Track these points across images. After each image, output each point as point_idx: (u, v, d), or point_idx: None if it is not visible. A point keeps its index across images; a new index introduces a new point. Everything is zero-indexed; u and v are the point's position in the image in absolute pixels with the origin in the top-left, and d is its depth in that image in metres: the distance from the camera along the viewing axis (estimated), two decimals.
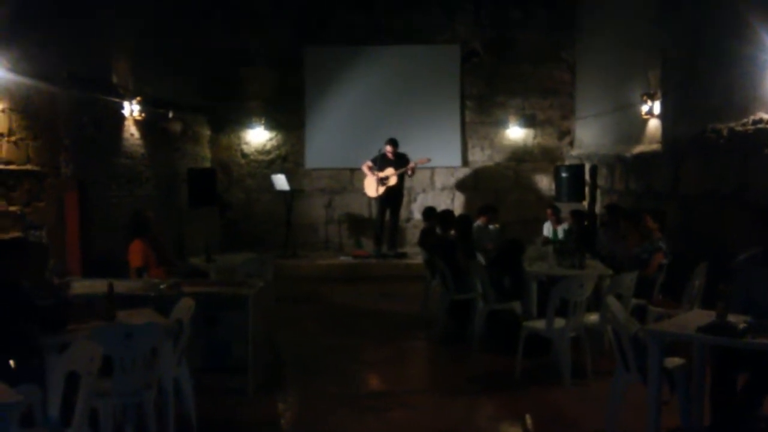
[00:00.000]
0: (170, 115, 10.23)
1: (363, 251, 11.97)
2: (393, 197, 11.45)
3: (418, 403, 5.53)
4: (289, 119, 12.71)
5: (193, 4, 11.54)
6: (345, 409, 5.33)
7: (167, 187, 10.23)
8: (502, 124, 12.69)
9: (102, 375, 4.00)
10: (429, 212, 9.22)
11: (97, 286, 5.26)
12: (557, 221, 9.90)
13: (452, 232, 8.16)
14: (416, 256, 10.89)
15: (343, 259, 11.66)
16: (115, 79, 8.50)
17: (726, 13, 6.52)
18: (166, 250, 7.48)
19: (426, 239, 8.65)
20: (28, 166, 6.55)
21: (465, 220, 8.53)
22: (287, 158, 12.81)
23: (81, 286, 5.66)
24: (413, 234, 12.03)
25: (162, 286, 5.78)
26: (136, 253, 6.83)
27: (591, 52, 11.74)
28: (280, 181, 11.77)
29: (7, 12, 6.07)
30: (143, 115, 8.92)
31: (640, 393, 4.37)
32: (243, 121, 12.68)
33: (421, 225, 10.07)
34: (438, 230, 8.41)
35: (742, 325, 3.90)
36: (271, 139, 12.80)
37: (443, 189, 12.79)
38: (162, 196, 9.94)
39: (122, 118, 8.70)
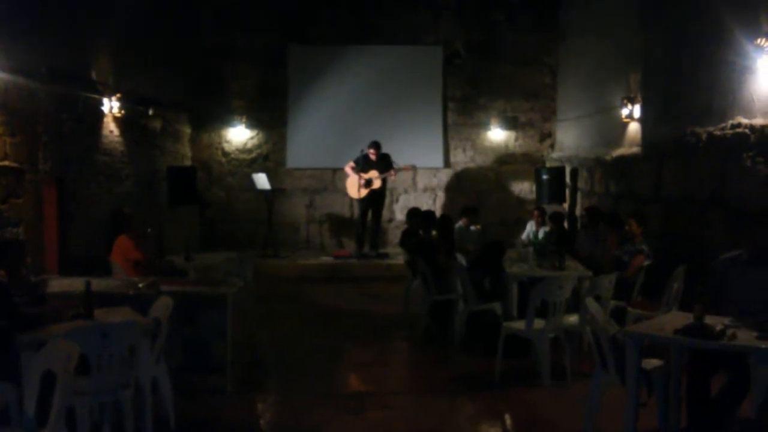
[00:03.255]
0: (150, 112, 10.14)
1: (344, 251, 11.95)
2: (375, 199, 11.43)
3: (399, 403, 5.53)
4: (271, 118, 12.66)
5: (176, 1, 11.45)
6: (325, 409, 5.32)
7: (147, 184, 10.14)
8: (484, 125, 12.74)
9: (79, 374, 3.96)
10: (412, 213, 9.21)
11: (75, 284, 5.19)
12: (541, 223, 9.92)
13: (433, 232, 8.19)
14: (398, 257, 10.89)
15: (324, 259, 11.63)
16: (95, 76, 8.41)
17: (707, 19, 6.60)
18: (145, 248, 7.43)
19: (407, 240, 8.65)
20: (6, 162, 6.46)
21: (446, 220, 8.57)
22: (268, 157, 12.75)
23: (58, 284, 5.59)
24: (395, 235, 12.02)
25: (140, 285, 5.73)
26: (128, 248, 6.88)
27: (573, 56, 11.82)
28: (261, 180, 11.71)
29: None
30: (123, 111, 8.83)
31: (619, 394, 4.39)
32: (224, 119, 12.61)
33: (403, 226, 10.08)
34: (420, 231, 8.40)
35: (719, 327, 3.94)
36: (252, 138, 12.74)
37: (425, 190, 12.81)
38: (141, 193, 9.85)
39: (102, 114, 8.61)
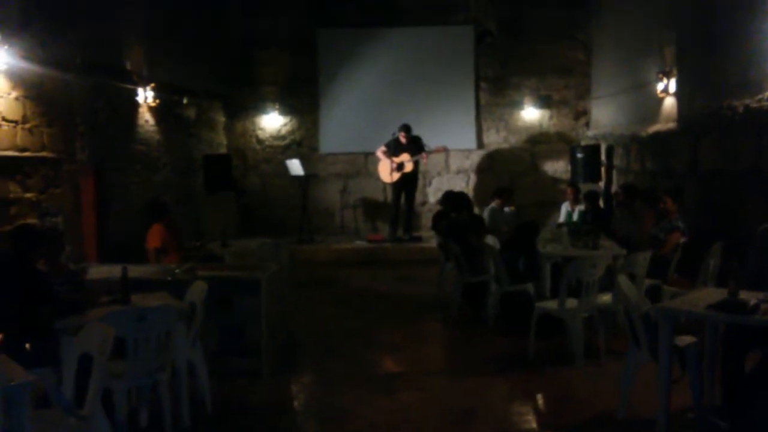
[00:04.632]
0: (184, 101, 10.28)
1: (378, 235, 11.98)
2: (408, 182, 11.41)
3: (432, 384, 5.56)
4: (303, 103, 12.72)
5: None
6: (359, 391, 5.37)
7: (183, 173, 10.30)
8: (518, 105, 12.61)
9: (116, 357, 4.08)
10: (445, 196, 9.16)
11: (113, 271, 5.30)
12: (575, 201, 9.75)
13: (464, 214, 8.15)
14: (431, 240, 10.89)
15: (358, 243, 11.68)
16: (128, 66, 8.55)
17: None
18: (182, 235, 7.58)
19: (439, 222, 8.64)
20: (44, 153, 6.62)
21: (463, 199, 8.43)
22: (302, 143, 12.83)
23: (97, 271, 5.72)
24: (428, 218, 11.99)
25: (177, 271, 5.85)
26: (155, 235, 6.99)
27: (606, 31, 11.60)
28: (295, 166, 11.79)
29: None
30: (157, 101, 8.97)
31: (652, 372, 4.35)
32: (257, 106, 12.71)
33: (437, 208, 10.06)
34: (452, 213, 8.38)
35: (752, 302, 3.87)
36: (285, 125, 12.83)
37: (458, 172, 12.75)
38: (178, 181, 10.02)
39: (136, 104, 8.76)
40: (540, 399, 5.22)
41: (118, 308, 4.51)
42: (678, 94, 8.32)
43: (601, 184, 11.14)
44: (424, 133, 11.32)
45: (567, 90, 12.62)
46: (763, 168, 6.22)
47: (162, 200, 8.25)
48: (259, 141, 12.88)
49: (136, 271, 5.39)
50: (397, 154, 11.20)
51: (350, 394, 5.32)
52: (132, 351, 4.18)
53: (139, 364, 4.21)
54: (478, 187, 12.46)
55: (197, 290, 4.91)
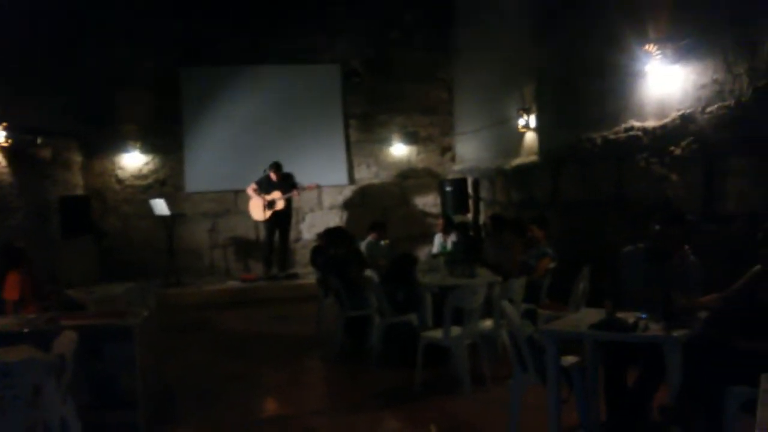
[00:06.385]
0: (39, 141, 9.61)
1: (252, 275, 11.70)
2: (282, 219, 11.28)
3: (321, 424, 5.41)
4: (166, 142, 12.26)
5: (63, 25, 10.93)
6: None
7: (38, 216, 9.57)
8: (386, 141, 12.86)
9: None
10: (324, 232, 9.05)
11: None
12: (447, 231, 9.90)
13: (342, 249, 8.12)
14: (307, 276, 10.79)
15: (231, 283, 11.35)
16: None
17: (596, 30, 6.92)
18: (40, 282, 6.99)
19: (317, 258, 8.55)
20: None
21: (343, 234, 8.43)
22: (166, 182, 12.34)
23: None
24: (303, 254, 11.90)
25: (38, 321, 5.38)
26: (11, 284, 6.37)
27: (468, 70, 12.14)
28: (160, 206, 11.31)
29: None
30: (10, 141, 8.33)
31: (539, 394, 4.47)
32: (118, 145, 12.11)
33: (311, 244, 9.96)
34: (331, 249, 8.32)
35: (631, 320, 4.09)
36: (147, 163, 12.30)
37: (332, 208, 12.75)
38: (33, 226, 9.28)
39: None
40: (432, 430, 5.21)
41: None
42: (538, 129, 8.81)
43: (469, 215, 11.53)
44: (296, 170, 11.27)
45: (432, 127, 13.04)
46: (622, 195, 6.67)
47: (16, 246, 7.61)
48: (119, 181, 12.26)
49: None
50: (268, 192, 11.05)
51: None
52: None
53: (6, 424, 3.79)
54: (351, 222, 12.50)
55: (66, 341, 4.52)
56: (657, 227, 4.62)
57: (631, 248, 4.82)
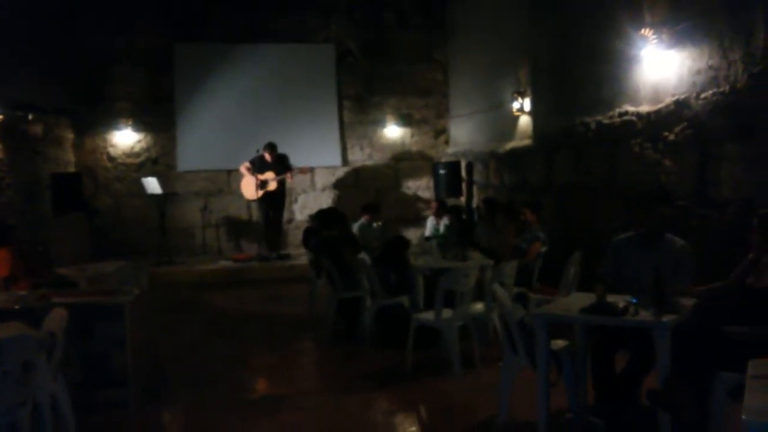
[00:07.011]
0: (30, 117, 9.53)
1: (244, 254, 11.69)
2: (275, 199, 11.25)
3: (312, 404, 5.43)
4: (158, 120, 12.19)
5: (57, 1, 10.80)
6: (235, 416, 5.15)
7: (29, 193, 9.52)
8: (380, 123, 12.82)
9: None
10: (316, 213, 9.04)
11: None
12: (438, 215, 9.94)
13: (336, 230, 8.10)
14: (300, 258, 10.79)
15: (223, 263, 11.33)
16: None
17: (596, 10, 6.87)
18: (33, 259, 6.97)
19: (309, 239, 8.54)
20: None
21: (336, 215, 8.42)
22: (158, 161, 12.28)
23: None
24: (295, 235, 11.89)
25: (29, 298, 5.36)
26: (1, 262, 6.34)
27: (463, 53, 12.09)
28: (152, 185, 11.26)
29: None
30: (1, 117, 8.26)
31: (529, 377, 4.49)
32: (109, 122, 12.04)
33: (304, 225, 9.95)
34: (323, 230, 8.31)
35: (622, 305, 4.10)
36: (139, 141, 12.23)
37: (324, 189, 12.73)
38: (24, 203, 9.24)
39: None
40: (422, 410, 5.25)
41: None
42: (533, 113, 8.79)
43: (462, 198, 11.53)
44: (289, 150, 11.23)
45: (427, 109, 13.00)
46: (614, 180, 6.68)
47: (7, 223, 7.57)
48: (111, 158, 12.19)
49: None
50: (262, 172, 11.01)
51: (227, 419, 5.09)
52: None
53: None
54: (344, 204, 12.45)
55: (56, 318, 4.51)
56: (644, 209, 4.66)
57: (624, 236, 4.83)
